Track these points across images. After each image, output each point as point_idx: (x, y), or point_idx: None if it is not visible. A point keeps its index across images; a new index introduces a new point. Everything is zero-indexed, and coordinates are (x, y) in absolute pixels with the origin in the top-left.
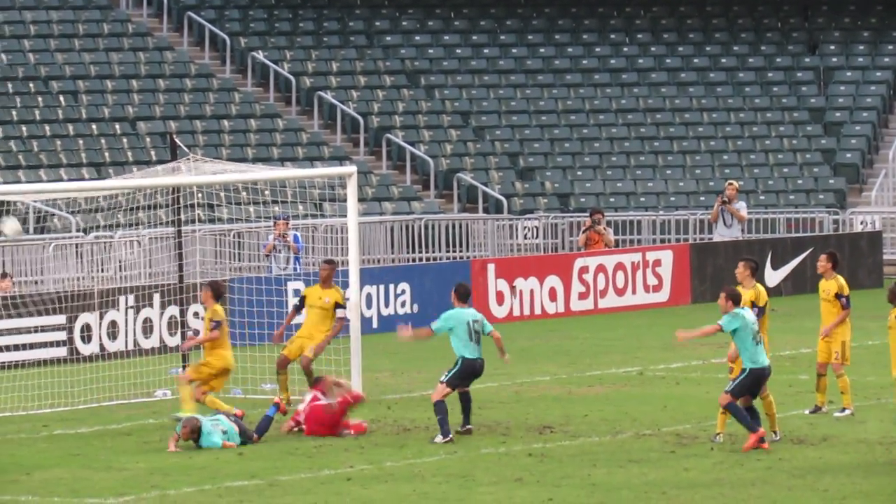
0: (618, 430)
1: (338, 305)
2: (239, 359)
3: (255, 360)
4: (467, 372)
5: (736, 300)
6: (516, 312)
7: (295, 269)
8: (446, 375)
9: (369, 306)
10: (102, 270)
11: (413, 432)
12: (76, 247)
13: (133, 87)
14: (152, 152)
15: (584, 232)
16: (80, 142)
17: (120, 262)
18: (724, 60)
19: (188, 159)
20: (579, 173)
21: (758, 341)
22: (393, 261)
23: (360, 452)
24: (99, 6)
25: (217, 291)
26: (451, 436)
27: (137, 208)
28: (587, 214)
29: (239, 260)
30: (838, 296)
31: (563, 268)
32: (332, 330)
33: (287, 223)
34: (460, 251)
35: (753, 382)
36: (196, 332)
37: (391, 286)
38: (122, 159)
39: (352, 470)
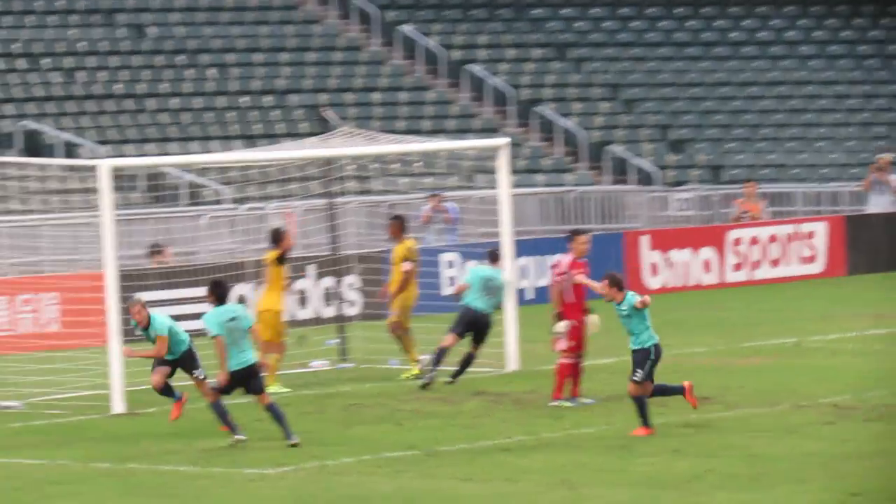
0: (775, 401)
1: (404, 259)
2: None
3: (413, 332)
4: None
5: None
6: (670, 284)
7: (450, 239)
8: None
9: (524, 277)
10: (256, 241)
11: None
12: (230, 218)
13: (281, 60)
14: (302, 125)
15: (739, 204)
16: (230, 114)
17: None
18: (873, 33)
19: (340, 131)
20: (730, 145)
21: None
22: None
23: (518, 423)
24: None
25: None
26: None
27: (290, 180)
28: (739, 186)
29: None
30: None
31: (717, 239)
32: (398, 284)
33: (442, 197)
34: (612, 223)
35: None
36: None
37: (545, 257)
38: (272, 132)
39: (509, 441)
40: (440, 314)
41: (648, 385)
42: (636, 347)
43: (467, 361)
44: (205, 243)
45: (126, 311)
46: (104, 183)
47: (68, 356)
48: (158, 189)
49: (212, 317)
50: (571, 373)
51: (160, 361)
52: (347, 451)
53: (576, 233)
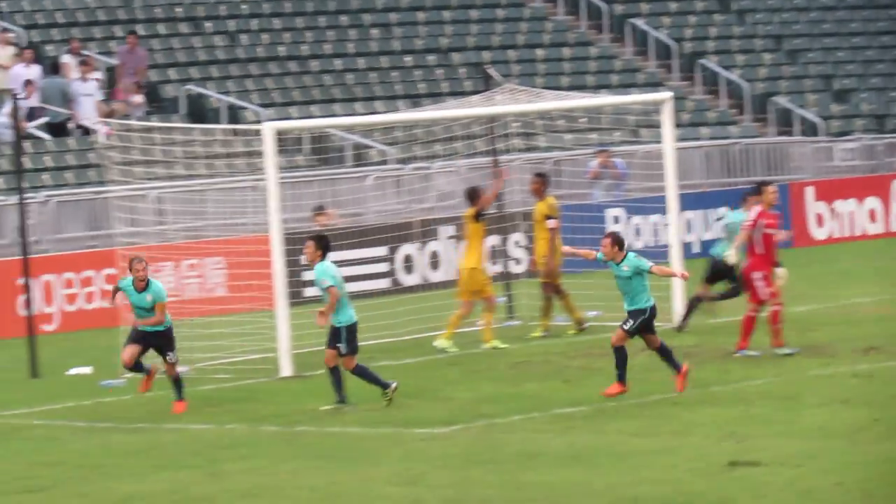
0: None
1: (546, 217)
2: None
3: (579, 288)
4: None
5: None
6: (836, 234)
7: (617, 195)
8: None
9: (689, 231)
10: (422, 201)
11: (739, 356)
12: (395, 178)
13: (445, 18)
14: (466, 82)
15: None
16: (394, 74)
17: (439, 192)
18: None
19: (503, 89)
20: (894, 94)
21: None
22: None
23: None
24: None
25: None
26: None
27: (454, 138)
28: None
29: (558, 188)
30: None
31: (882, 189)
32: (547, 243)
33: (610, 153)
34: (777, 174)
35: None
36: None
37: (710, 211)
38: (436, 90)
39: (678, 394)
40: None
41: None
42: (632, 308)
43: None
44: (370, 204)
45: (130, 265)
46: (268, 146)
47: (235, 320)
48: (323, 151)
49: (328, 269)
50: (750, 325)
51: (134, 337)
52: (516, 409)
53: (763, 184)
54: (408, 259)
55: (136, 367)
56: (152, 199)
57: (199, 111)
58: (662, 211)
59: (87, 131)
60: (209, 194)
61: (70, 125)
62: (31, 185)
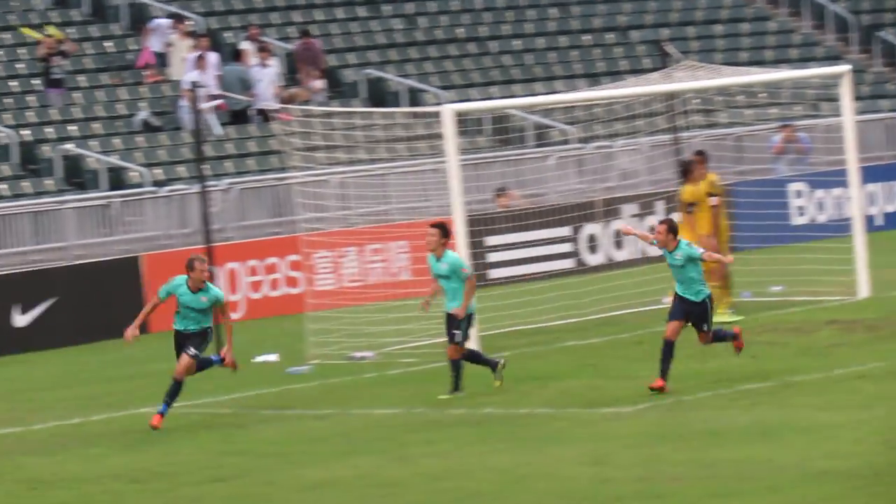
0: None
1: (709, 194)
2: (747, 262)
3: (764, 263)
4: None
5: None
6: None
7: (800, 169)
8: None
9: (872, 204)
10: (604, 180)
11: None
12: (577, 158)
13: None
14: (645, 60)
15: None
16: (573, 53)
17: (621, 170)
18: None
19: (682, 65)
20: None
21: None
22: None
23: (872, 350)
24: None
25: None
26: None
27: (635, 116)
28: None
29: (741, 163)
30: None
31: None
32: (710, 223)
33: (794, 127)
34: None
35: None
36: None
37: (892, 183)
38: (615, 68)
39: (864, 368)
40: (788, 244)
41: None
42: (695, 300)
43: None
44: (552, 184)
45: (190, 265)
46: (448, 128)
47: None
48: (504, 132)
49: (459, 256)
50: None
51: (181, 344)
52: (702, 386)
53: None
54: (591, 238)
55: (201, 365)
56: (335, 184)
57: (379, 95)
58: (845, 184)
59: (267, 118)
60: (391, 178)
61: (250, 112)
62: (214, 173)
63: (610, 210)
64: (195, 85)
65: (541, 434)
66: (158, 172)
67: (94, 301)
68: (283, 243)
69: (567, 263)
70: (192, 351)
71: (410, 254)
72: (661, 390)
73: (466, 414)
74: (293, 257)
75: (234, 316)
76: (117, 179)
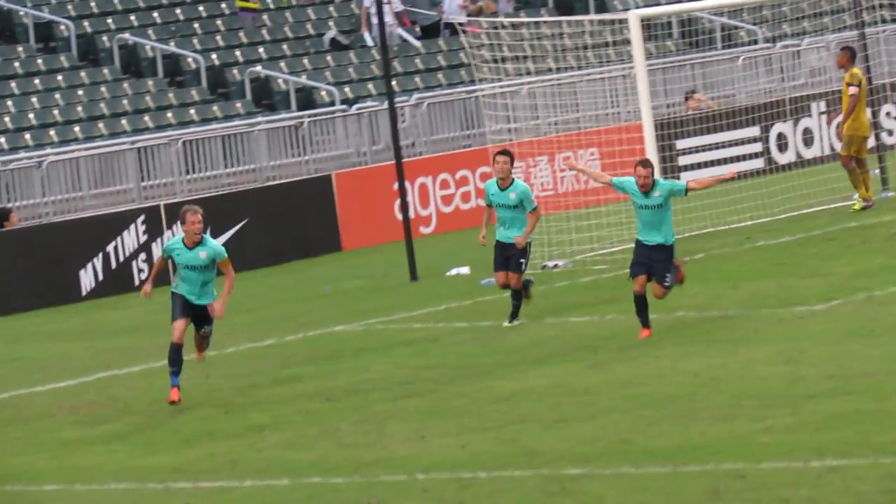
0: None
1: (849, 85)
2: None
3: None
4: None
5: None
6: None
7: None
8: None
9: None
10: (793, 79)
11: None
12: (764, 57)
13: None
14: None
15: None
16: None
17: (809, 68)
18: None
19: None
20: None
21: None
22: None
23: None
24: None
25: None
26: None
27: (822, 14)
28: None
29: None
30: None
31: None
32: (845, 112)
33: None
34: None
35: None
36: None
37: None
38: None
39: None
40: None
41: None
42: (667, 242)
43: None
44: (741, 85)
45: (182, 218)
46: (635, 33)
47: (611, 210)
48: (692, 34)
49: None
50: None
51: (182, 307)
52: (894, 280)
53: None
54: (781, 137)
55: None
56: (524, 94)
57: (567, 3)
58: None
59: (454, 31)
60: (580, 86)
61: (438, 26)
62: (403, 88)
63: (799, 108)
64: (381, 1)
65: (733, 335)
66: (347, 91)
67: (286, 221)
68: (473, 156)
69: (756, 163)
70: (209, 328)
71: (601, 161)
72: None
73: (659, 318)
74: (484, 169)
75: (426, 230)
76: (306, 99)
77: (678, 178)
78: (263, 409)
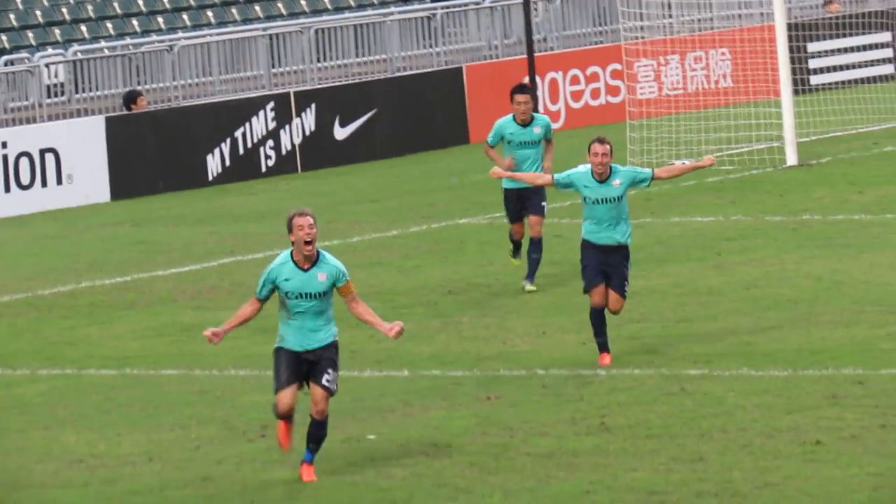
0: None
1: None
2: None
3: None
4: None
5: None
6: None
7: None
8: None
9: None
10: None
11: None
12: None
13: None
14: None
15: None
16: None
17: None
18: None
19: None
20: None
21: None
22: None
23: None
24: None
25: None
26: None
27: None
28: None
29: None
30: None
31: None
32: None
33: None
34: None
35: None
36: None
37: None
38: None
39: None
40: None
41: None
42: (625, 241)
43: None
44: None
45: (290, 225)
46: None
47: (740, 111)
48: None
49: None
50: None
51: (289, 369)
52: None
53: None
54: None
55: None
56: None
57: None
58: None
59: None
60: None
61: None
62: None
63: None
64: None
65: (857, 240)
66: None
67: (415, 112)
68: (604, 52)
69: (886, 69)
70: (329, 379)
71: (731, 61)
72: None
73: (784, 221)
74: (615, 66)
75: (555, 125)
76: None
77: (807, 79)
78: (384, 298)
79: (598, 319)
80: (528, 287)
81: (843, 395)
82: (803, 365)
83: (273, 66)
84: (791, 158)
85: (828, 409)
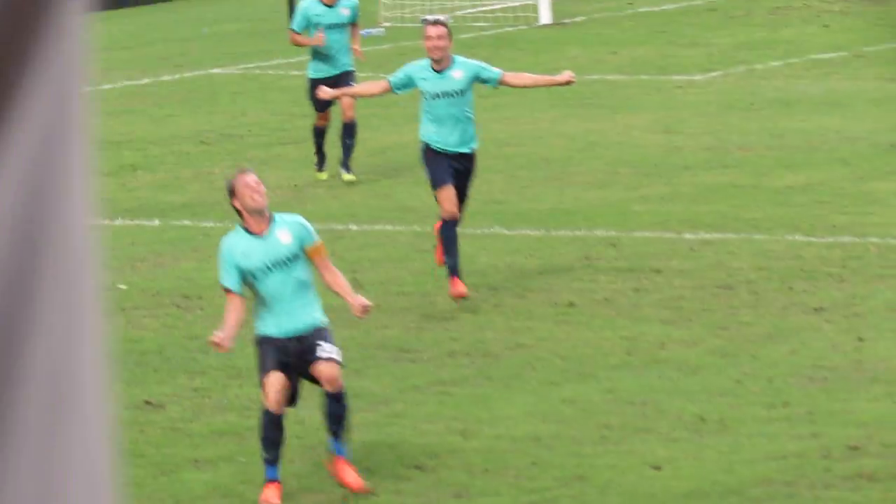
0: None
1: None
2: None
3: None
4: None
5: None
6: None
7: None
8: None
9: None
10: None
11: None
12: None
13: None
14: None
15: None
16: None
17: None
18: None
19: None
20: None
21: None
22: None
23: None
24: None
25: None
26: None
27: None
28: None
29: None
30: None
31: None
32: None
33: None
34: None
35: None
36: None
37: None
38: None
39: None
40: None
41: None
42: (467, 150)
43: None
44: None
45: (231, 186)
46: None
47: None
48: None
49: None
50: None
51: (275, 358)
52: (774, 55)
53: None
54: None
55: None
56: None
57: None
58: None
59: None
60: None
61: None
62: None
63: None
64: None
65: (612, 101)
66: None
67: None
68: None
69: None
70: (328, 350)
71: None
72: (463, 296)
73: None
74: None
75: None
76: None
77: None
78: (137, 148)
79: (450, 233)
80: (347, 176)
81: (596, 257)
82: (556, 225)
83: None
84: (545, 17)
85: (581, 271)
